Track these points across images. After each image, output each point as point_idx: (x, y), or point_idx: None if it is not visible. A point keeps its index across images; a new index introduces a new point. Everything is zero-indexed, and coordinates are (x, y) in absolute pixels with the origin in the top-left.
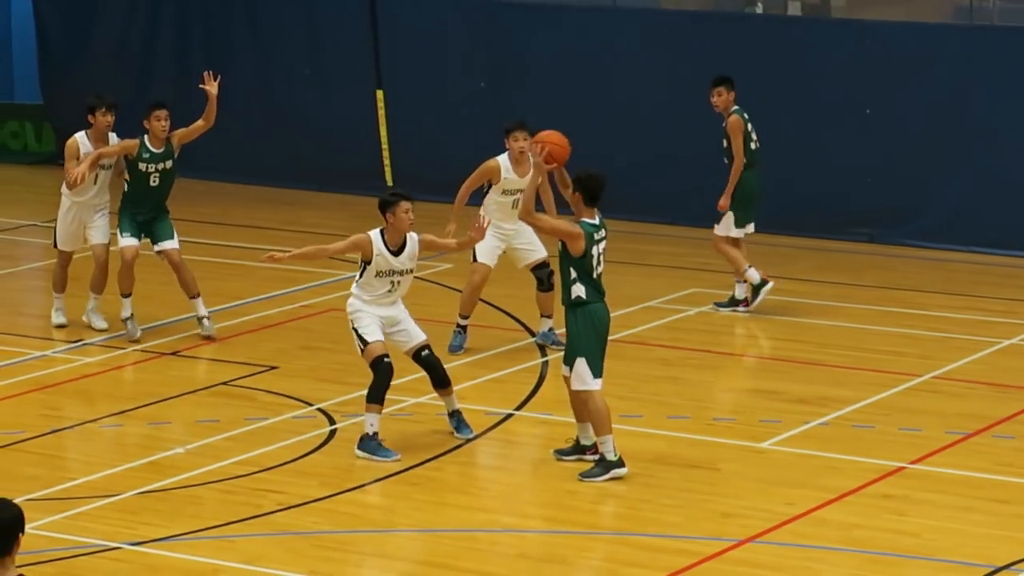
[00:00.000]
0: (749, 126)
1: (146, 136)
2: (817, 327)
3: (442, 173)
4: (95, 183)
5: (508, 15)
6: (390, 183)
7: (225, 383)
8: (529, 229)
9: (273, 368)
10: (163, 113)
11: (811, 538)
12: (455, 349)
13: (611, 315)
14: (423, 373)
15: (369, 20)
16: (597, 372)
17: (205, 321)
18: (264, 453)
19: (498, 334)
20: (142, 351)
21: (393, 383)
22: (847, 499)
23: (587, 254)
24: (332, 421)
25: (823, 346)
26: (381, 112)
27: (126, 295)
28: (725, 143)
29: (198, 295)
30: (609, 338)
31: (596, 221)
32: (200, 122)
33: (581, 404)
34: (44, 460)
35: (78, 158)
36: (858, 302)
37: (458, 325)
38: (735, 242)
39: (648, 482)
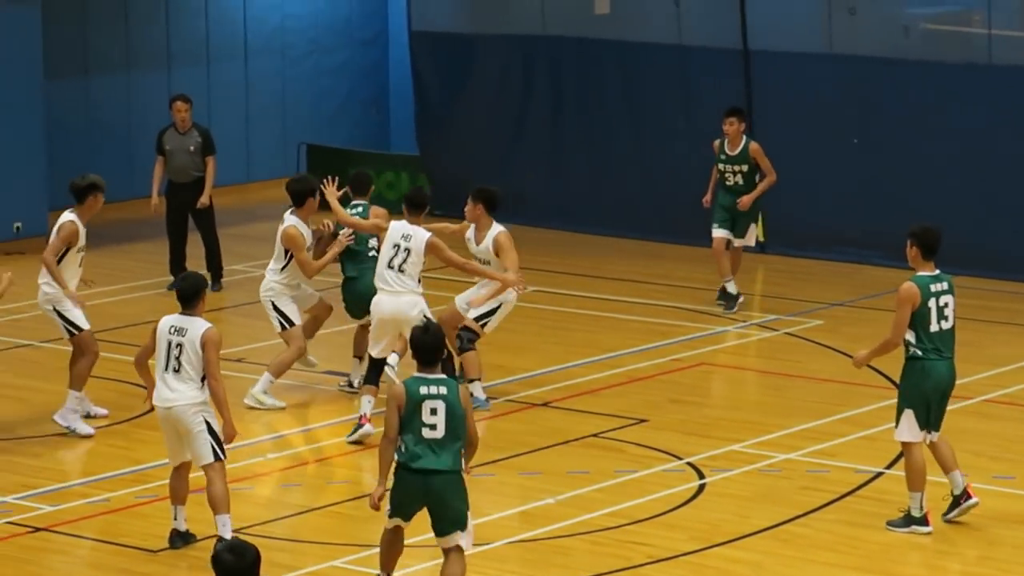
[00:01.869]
0: None
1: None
2: None
3: (813, 229)
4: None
5: (878, 71)
6: (762, 239)
7: (595, 435)
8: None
9: (643, 421)
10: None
11: None
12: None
13: (971, 375)
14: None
15: (743, 76)
16: (922, 426)
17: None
18: (633, 505)
19: (870, 391)
20: (514, 401)
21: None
22: None
23: (923, 308)
24: (701, 475)
25: None
26: None
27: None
28: (746, 168)
29: None
30: (978, 398)
31: (934, 274)
32: None
33: (939, 455)
34: None
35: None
36: None
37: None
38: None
39: (1022, 545)
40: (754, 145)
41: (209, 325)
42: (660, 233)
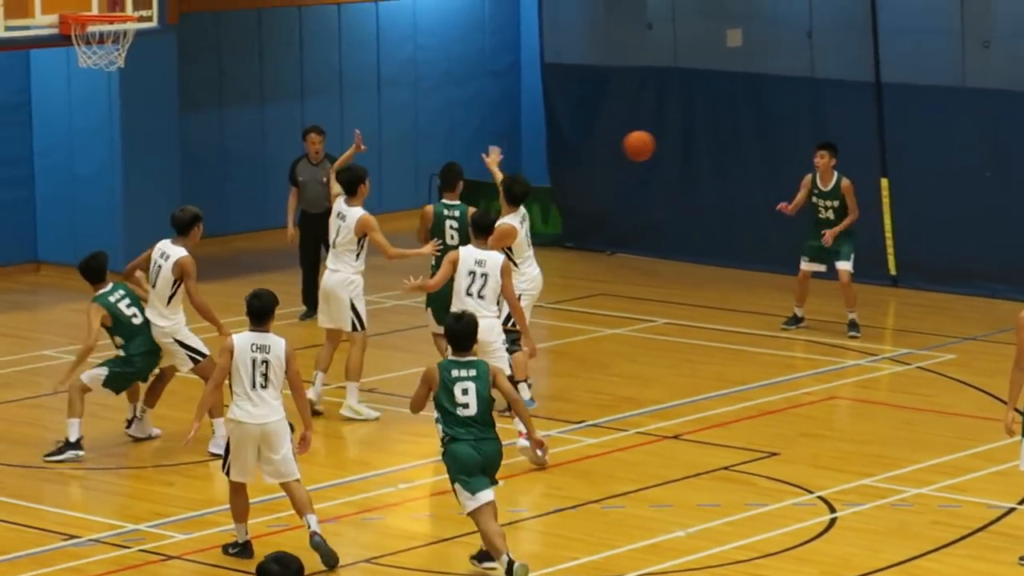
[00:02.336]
0: None
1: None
2: None
3: (946, 262)
4: None
5: (1012, 104)
6: (893, 272)
7: (725, 468)
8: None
9: (773, 454)
10: None
11: None
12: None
13: None
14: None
15: (875, 109)
16: None
17: None
18: (764, 539)
19: (1003, 426)
20: (644, 434)
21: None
22: None
23: None
24: (832, 509)
25: None
26: (886, 201)
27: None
28: (838, 203)
29: None
30: None
31: None
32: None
33: None
34: (546, 539)
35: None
36: None
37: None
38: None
39: None
40: (846, 183)
41: (284, 339)
42: (790, 266)
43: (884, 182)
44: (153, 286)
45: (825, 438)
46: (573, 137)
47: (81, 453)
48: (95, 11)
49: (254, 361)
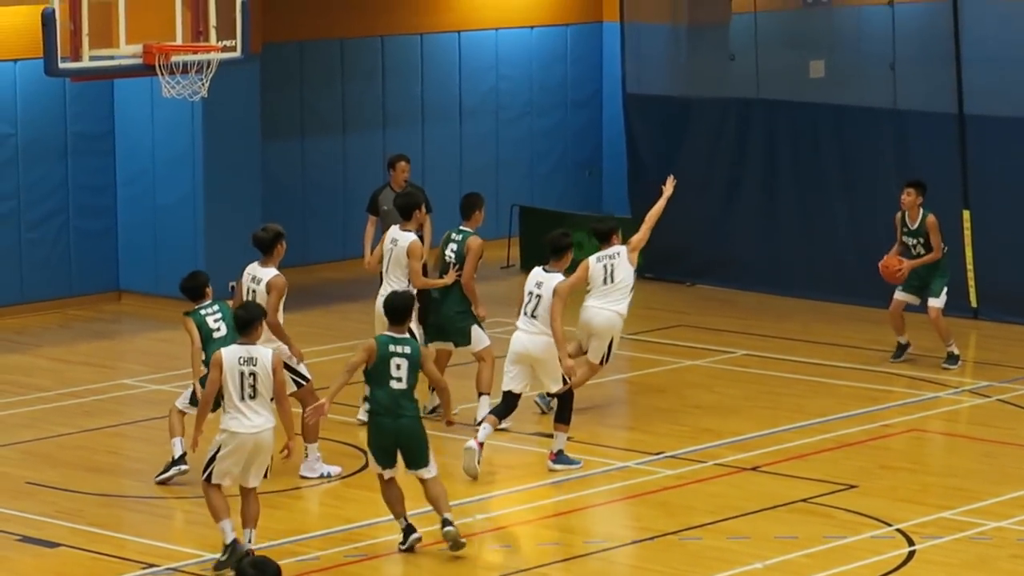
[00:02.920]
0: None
1: None
2: None
3: None
4: None
5: None
6: (974, 304)
7: (804, 500)
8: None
9: (852, 487)
10: None
11: None
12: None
13: None
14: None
15: (958, 141)
16: None
17: None
18: (842, 571)
19: None
20: (723, 465)
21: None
22: None
23: None
24: (911, 542)
25: None
26: (967, 233)
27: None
28: (923, 239)
29: None
30: None
31: None
32: None
33: None
34: (624, 570)
35: None
36: None
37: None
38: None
39: None
40: (931, 219)
41: (271, 350)
42: (872, 298)
43: (966, 214)
44: None
45: (904, 471)
46: (654, 167)
47: (185, 468)
48: (179, 41)
49: (242, 373)
